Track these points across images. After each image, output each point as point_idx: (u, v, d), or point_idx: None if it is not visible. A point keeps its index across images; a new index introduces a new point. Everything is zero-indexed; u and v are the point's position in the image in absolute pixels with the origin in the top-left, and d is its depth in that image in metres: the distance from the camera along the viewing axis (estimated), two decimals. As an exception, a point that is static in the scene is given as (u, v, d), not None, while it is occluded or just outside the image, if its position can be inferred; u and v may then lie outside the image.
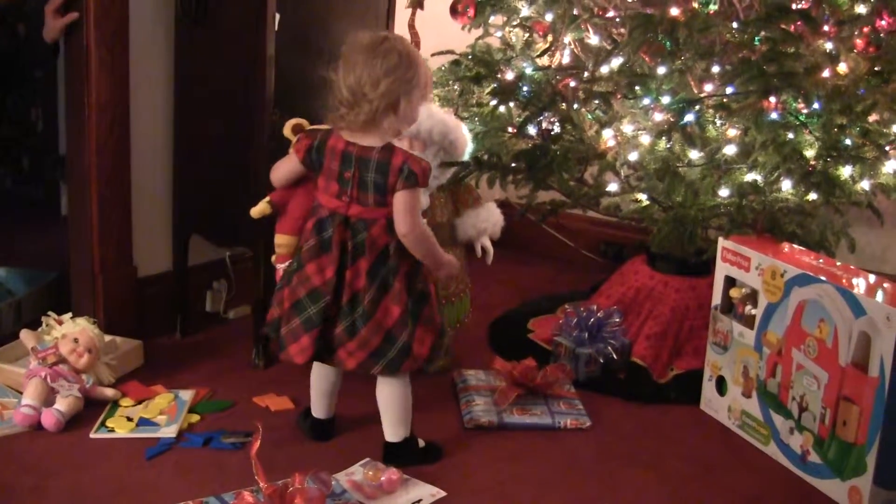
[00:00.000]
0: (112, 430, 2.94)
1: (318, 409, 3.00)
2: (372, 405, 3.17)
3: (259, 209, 2.97)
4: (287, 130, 2.98)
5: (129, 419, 2.99)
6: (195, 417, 3.05)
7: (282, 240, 2.92)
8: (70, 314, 3.28)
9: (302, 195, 2.88)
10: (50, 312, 3.30)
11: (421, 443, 2.92)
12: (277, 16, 3.24)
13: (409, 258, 2.72)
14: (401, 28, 3.68)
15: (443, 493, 2.71)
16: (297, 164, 2.80)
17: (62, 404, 2.96)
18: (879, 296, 2.74)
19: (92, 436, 2.91)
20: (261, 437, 2.56)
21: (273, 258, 3.02)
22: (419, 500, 2.67)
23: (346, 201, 2.69)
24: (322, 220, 2.73)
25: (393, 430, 2.86)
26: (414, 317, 2.72)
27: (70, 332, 3.15)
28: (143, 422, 2.99)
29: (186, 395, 3.16)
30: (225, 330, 3.79)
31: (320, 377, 2.96)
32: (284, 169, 2.87)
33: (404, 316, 2.71)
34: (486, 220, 3.42)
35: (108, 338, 3.28)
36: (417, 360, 2.74)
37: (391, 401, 2.85)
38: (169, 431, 2.94)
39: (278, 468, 2.65)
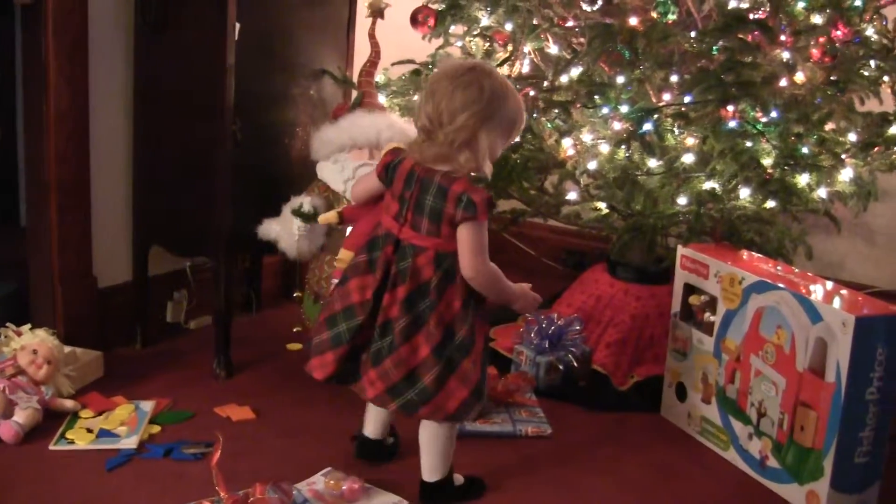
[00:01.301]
0: (72, 442, 2.92)
1: (369, 426, 2.92)
2: (336, 414, 3.19)
3: (327, 217, 2.92)
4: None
5: (90, 431, 2.97)
6: (156, 428, 3.04)
7: (343, 255, 2.83)
8: (29, 325, 3.25)
9: (373, 214, 2.78)
10: (8, 324, 3.27)
11: (459, 479, 2.82)
12: (238, 25, 3.24)
13: (456, 301, 2.55)
14: (361, 37, 3.69)
15: (405, 502, 2.71)
16: (374, 180, 2.71)
17: (21, 416, 2.94)
18: (836, 302, 2.77)
19: (51, 448, 2.89)
20: (222, 447, 2.55)
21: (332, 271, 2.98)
22: (382, 509, 2.68)
23: (401, 223, 2.58)
24: (376, 238, 2.64)
25: (429, 471, 2.74)
26: (448, 365, 2.54)
27: (29, 343, 3.12)
28: (104, 433, 2.97)
29: (147, 405, 3.15)
30: (186, 340, 3.77)
31: None
32: (364, 184, 2.80)
33: (433, 358, 2.52)
34: (446, 229, 3.43)
35: (67, 349, 3.26)
36: (440, 411, 2.56)
37: (431, 442, 2.71)
38: (129, 443, 2.92)
39: (239, 478, 2.65)
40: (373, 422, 2.90)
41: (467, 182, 2.51)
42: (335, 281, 2.82)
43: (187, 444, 2.93)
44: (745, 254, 3.22)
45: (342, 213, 2.91)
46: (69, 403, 3.09)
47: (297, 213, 3.28)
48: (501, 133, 2.57)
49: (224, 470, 2.54)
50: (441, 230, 2.52)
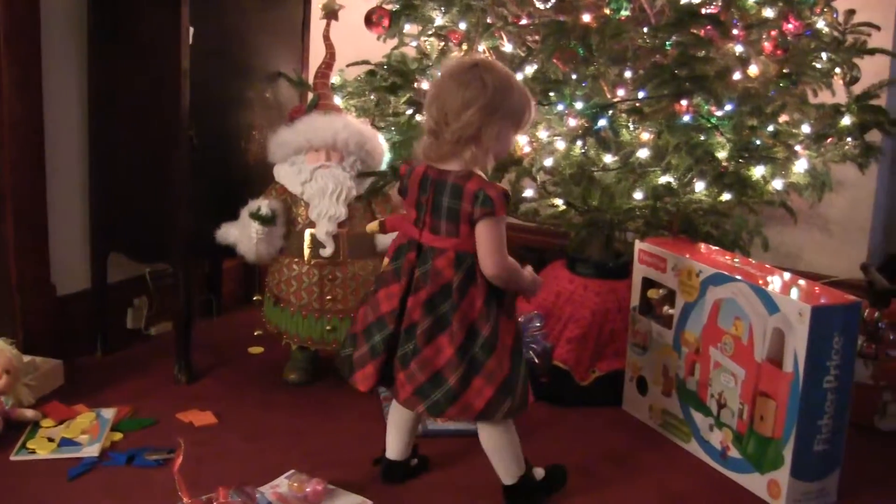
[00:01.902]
0: (33, 452, 2.91)
1: (390, 448, 2.88)
2: (299, 416, 3.19)
3: (372, 226, 2.94)
4: None
5: (51, 440, 2.96)
6: (118, 436, 3.03)
7: (385, 264, 2.81)
8: (-12, 335, 3.25)
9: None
10: (-33, 335, 3.27)
11: (540, 472, 2.82)
12: (191, 29, 3.24)
13: (479, 300, 2.55)
14: (316, 39, 3.69)
15: (369, 503, 2.71)
16: (397, 191, 2.74)
17: (-19, 427, 2.93)
18: (794, 293, 2.79)
19: (12, 458, 2.88)
20: (184, 452, 2.55)
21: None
22: (346, 511, 2.68)
23: (421, 228, 2.60)
24: (400, 246, 2.66)
25: (505, 473, 2.75)
26: (473, 365, 2.54)
27: (-12, 353, 3.11)
28: (65, 442, 2.96)
29: (109, 413, 3.14)
30: (147, 347, 3.77)
31: (396, 409, 2.83)
32: (395, 196, 2.78)
33: (457, 358, 2.53)
34: (404, 230, 3.43)
35: (27, 358, 3.25)
36: (468, 410, 2.56)
37: (492, 446, 2.73)
38: (91, 451, 2.91)
39: (203, 483, 2.64)
40: (394, 443, 2.87)
41: (481, 179, 2.53)
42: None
43: (150, 450, 2.93)
44: (702, 247, 3.24)
45: (384, 222, 2.93)
46: (30, 413, 3.08)
47: (255, 216, 3.28)
48: (509, 125, 2.58)
49: (187, 475, 2.54)
50: (460, 230, 2.54)
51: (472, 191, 2.49)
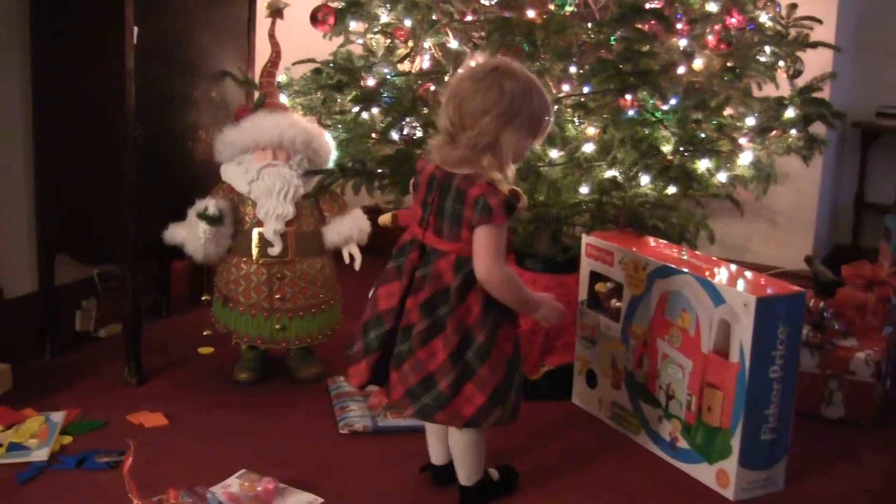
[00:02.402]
0: (-19, 457, 2.89)
1: (433, 454, 2.85)
2: (250, 416, 3.19)
3: (384, 219, 2.97)
4: None
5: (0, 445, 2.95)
6: (67, 439, 3.01)
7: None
8: (-66, 340, 3.22)
9: None
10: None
11: (494, 473, 2.82)
12: (136, 29, 3.23)
13: (476, 306, 2.51)
14: (262, 38, 3.68)
15: (320, 501, 2.72)
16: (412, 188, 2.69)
17: (-71, 432, 2.91)
18: (740, 284, 2.81)
19: (-39, 463, 2.86)
20: (134, 454, 2.54)
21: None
22: (297, 509, 2.68)
23: (424, 228, 2.56)
24: (403, 244, 2.63)
25: (465, 476, 2.73)
26: (466, 371, 2.51)
27: (-66, 358, 3.09)
28: (14, 447, 2.93)
29: (58, 416, 3.12)
30: (96, 349, 3.74)
31: None
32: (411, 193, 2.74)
33: (449, 364, 2.50)
34: (352, 227, 3.44)
35: (-26, 362, 3.23)
36: (457, 417, 2.54)
37: (461, 446, 2.70)
38: (40, 455, 2.89)
39: (153, 484, 2.64)
40: (436, 448, 2.84)
41: (486, 185, 2.46)
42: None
43: (100, 453, 2.91)
44: (649, 240, 3.25)
45: (396, 215, 2.91)
46: (-23, 418, 3.06)
47: (203, 216, 3.27)
48: (527, 132, 2.53)
49: (137, 477, 2.54)
50: (461, 234, 2.50)
51: (474, 197, 2.44)
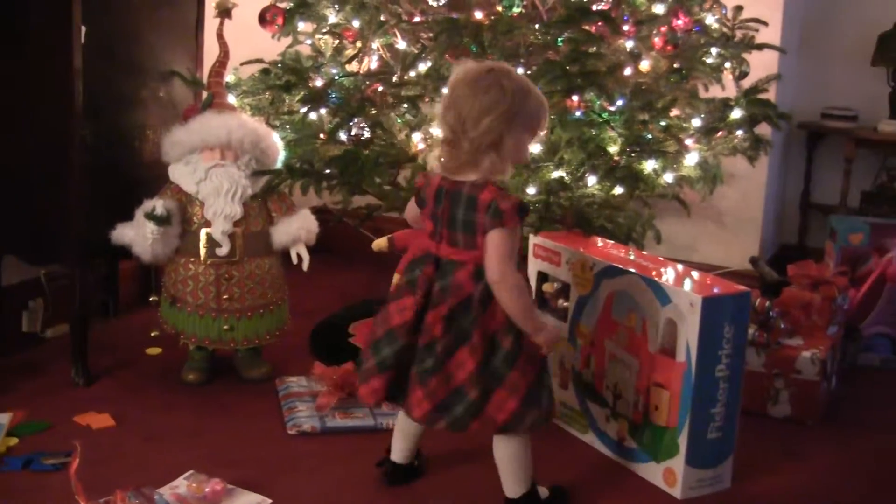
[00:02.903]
0: (-74, 459, 2.86)
1: (396, 452, 2.84)
2: (198, 417, 3.18)
3: (379, 243, 2.89)
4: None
5: (-56, 447, 2.92)
6: (13, 441, 2.98)
7: (395, 279, 2.74)
8: None
9: (422, 238, 2.66)
10: None
11: (544, 491, 2.74)
12: (84, 27, 3.21)
13: (500, 312, 2.49)
14: (210, 37, 3.67)
15: (269, 501, 2.70)
16: (413, 205, 2.67)
17: None
18: (687, 284, 2.83)
19: None
20: (81, 455, 2.52)
21: None
22: (245, 510, 2.68)
23: (437, 241, 2.53)
24: (414, 259, 2.59)
25: (511, 488, 2.68)
26: (495, 377, 2.50)
27: None
28: (-41, 448, 2.92)
29: (3, 418, 3.08)
30: (43, 350, 3.71)
31: (403, 417, 2.77)
32: (409, 208, 2.72)
33: (478, 372, 2.48)
34: (300, 228, 3.43)
35: (-82, 363, 3.20)
36: (491, 423, 2.53)
37: (506, 459, 2.67)
38: (-14, 456, 2.88)
39: (100, 486, 2.61)
40: (401, 448, 2.83)
41: (496, 190, 2.45)
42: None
43: (46, 454, 2.88)
44: (596, 240, 3.27)
45: (393, 238, 2.87)
46: (-78, 419, 3.03)
47: (150, 216, 3.25)
48: (527, 131, 2.51)
49: (84, 479, 2.51)
50: (477, 242, 2.48)
51: (486, 202, 2.43)
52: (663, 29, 3.41)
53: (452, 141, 2.46)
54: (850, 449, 3.22)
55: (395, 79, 3.43)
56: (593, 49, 3.26)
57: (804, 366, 3.34)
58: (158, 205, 3.27)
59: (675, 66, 3.50)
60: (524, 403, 2.51)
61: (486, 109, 2.40)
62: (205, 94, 3.58)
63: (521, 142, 2.50)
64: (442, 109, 2.50)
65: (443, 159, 2.51)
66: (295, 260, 3.47)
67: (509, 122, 2.43)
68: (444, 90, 2.50)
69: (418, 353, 2.52)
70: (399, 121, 3.51)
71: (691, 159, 3.52)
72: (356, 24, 3.56)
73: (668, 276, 2.90)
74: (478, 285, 2.49)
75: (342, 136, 3.45)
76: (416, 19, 3.49)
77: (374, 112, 3.42)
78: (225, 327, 3.37)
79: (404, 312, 2.55)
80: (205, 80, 3.64)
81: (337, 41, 3.73)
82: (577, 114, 3.21)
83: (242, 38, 3.68)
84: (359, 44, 3.61)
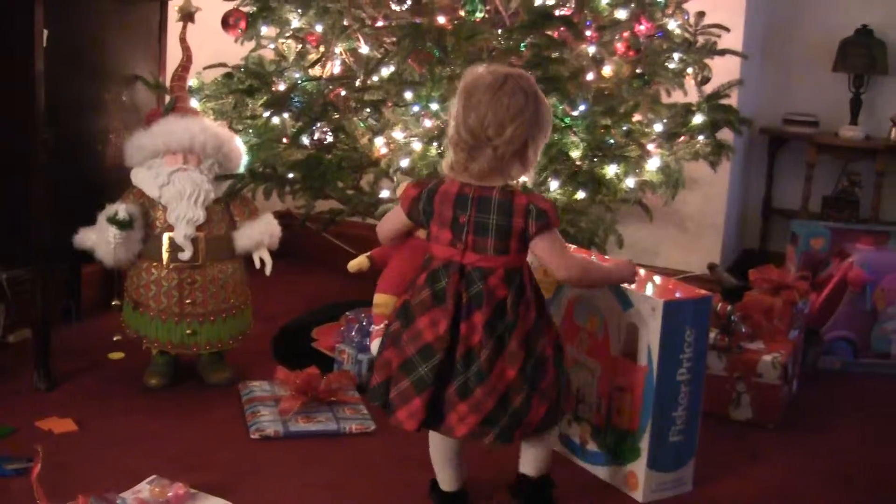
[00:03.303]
0: None
1: (445, 481, 2.73)
2: (160, 421, 3.17)
3: (357, 263, 2.75)
4: (400, 191, 2.72)
5: None
6: (-25, 446, 2.98)
7: (380, 299, 2.68)
8: None
9: (406, 253, 2.63)
10: None
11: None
12: (46, 31, 3.20)
13: (530, 316, 2.49)
14: (173, 42, 3.67)
15: (230, 505, 2.72)
16: (401, 217, 2.59)
17: None
18: (649, 289, 2.84)
19: None
20: (43, 460, 2.52)
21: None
22: (208, 514, 2.67)
23: (461, 248, 2.47)
24: (436, 270, 2.50)
25: (545, 465, 2.73)
26: (531, 384, 2.48)
27: None
28: (-80, 454, 2.90)
29: (-36, 423, 3.09)
30: (5, 354, 3.68)
31: (441, 443, 2.68)
32: (390, 223, 2.66)
33: (519, 378, 2.46)
34: (262, 232, 3.43)
35: None
36: (528, 427, 2.51)
37: (542, 448, 2.70)
38: (-52, 462, 2.86)
39: (62, 491, 2.60)
40: (451, 476, 2.73)
41: (526, 192, 2.47)
42: (377, 328, 2.64)
43: (8, 459, 2.87)
44: (559, 245, 3.28)
45: (372, 256, 2.79)
46: None
47: (112, 220, 3.24)
48: (543, 136, 2.51)
49: (46, 484, 2.51)
50: (510, 246, 2.46)
51: (523, 206, 2.43)
52: (626, 34, 3.43)
53: (472, 147, 2.42)
54: (811, 451, 3.24)
55: (357, 83, 3.43)
56: (556, 54, 3.27)
57: (765, 369, 3.36)
58: (121, 209, 3.26)
59: (637, 71, 3.51)
60: (554, 403, 2.55)
61: (511, 116, 2.39)
62: (167, 99, 3.57)
63: (539, 146, 2.50)
64: (458, 116, 2.45)
65: (468, 166, 2.45)
66: (258, 264, 3.47)
67: (531, 128, 2.42)
68: (457, 96, 2.46)
69: (455, 368, 2.47)
70: (362, 125, 3.52)
71: (653, 164, 3.53)
72: (319, 28, 3.56)
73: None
74: (510, 290, 2.47)
75: (305, 140, 3.44)
76: (379, 24, 3.49)
77: (336, 116, 3.42)
78: (188, 332, 3.37)
79: (437, 326, 2.48)
80: (168, 84, 3.63)
81: (300, 45, 3.73)
82: (540, 119, 3.21)
83: (205, 42, 3.68)
84: (322, 48, 3.61)
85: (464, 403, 2.46)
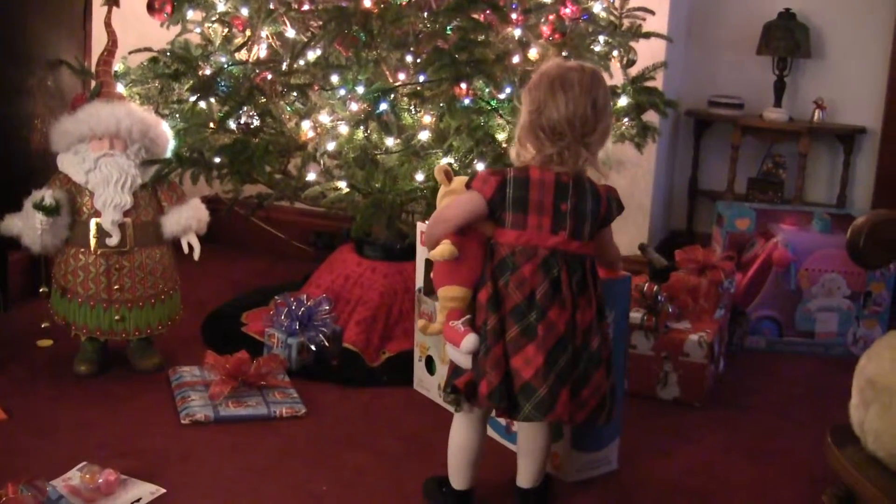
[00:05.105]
0: None
1: (461, 480, 2.72)
2: (90, 408, 3.16)
3: (441, 251, 2.52)
4: (439, 175, 2.65)
5: None
6: None
7: (457, 292, 2.53)
8: None
9: (474, 244, 2.53)
10: None
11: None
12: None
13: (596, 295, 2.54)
14: (98, 26, 3.65)
15: (163, 490, 2.71)
16: (481, 205, 2.49)
17: None
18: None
19: None
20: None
21: (440, 317, 2.62)
22: (139, 500, 2.66)
23: (565, 236, 2.48)
24: (546, 259, 2.46)
25: (537, 477, 2.72)
26: (608, 364, 2.54)
27: None
28: None
29: None
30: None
31: (471, 444, 2.69)
32: (461, 210, 2.53)
33: (610, 361, 2.55)
34: (190, 217, 3.42)
35: None
36: (613, 407, 2.58)
37: (541, 447, 2.69)
38: None
39: (-9, 478, 2.61)
40: (463, 474, 2.72)
41: (604, 183, 2.58)
42: (454, 324, 2.52)
43: (-64, 449, 2.87)
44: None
45: (454, 244, 2.64)
46: None
47: (39, 206, 3.23)
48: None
49: (-27, 471, 2.50)
50: (593, 234, 2.54)
51: (604, 194, 2.54)
52: (551, 17, 3.44)
53: (566, 138, 2.46)
54: (736, 429, 3.30)
55: (284, 67, 3.43)
56: (482, 37, 3.29)
57: (692, 349, 3.41)
58: (47, 195, 3.25)
59: (563, 54, 3.53)
60: (610, 389, 2.57)
61: (602, 110, 2.48)
62: (93, 84, 3.55)
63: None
64: (551, 109, 2.46)
65: (562, 156, 2.47)
66: (186, 249, 3.46)
67: (609, 118, 2.53)
68: (543, 89, 2.48)
69: (577, 355, 2.48)
70: (288, 109, 3.52)
71: (580, 147, 3.56)
72: (245, 12, 3.55)
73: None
74: (594, 279, 2.55)
75: (232, 124, 3.44)
76: (305, 7, 3.49)
77: (263, 101, 3.42)
78: (116, 318, 3.36)
79: (564, 315, 2.47)
80: (93, 69, 3.61)
81: (226, 30, 3.72)
82: (466, 101, 3.23)
83: (131, 27, 3.66)
84: (248, 32, 3.61)
85: (587, 388, 2.49)
